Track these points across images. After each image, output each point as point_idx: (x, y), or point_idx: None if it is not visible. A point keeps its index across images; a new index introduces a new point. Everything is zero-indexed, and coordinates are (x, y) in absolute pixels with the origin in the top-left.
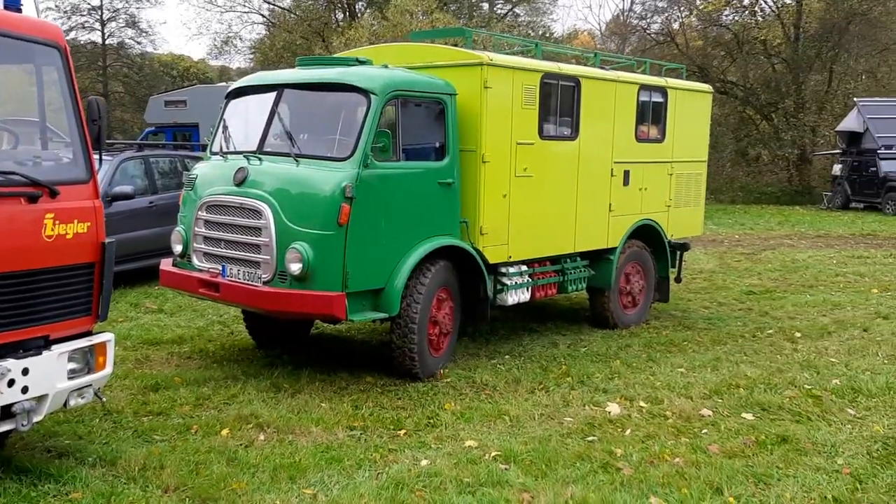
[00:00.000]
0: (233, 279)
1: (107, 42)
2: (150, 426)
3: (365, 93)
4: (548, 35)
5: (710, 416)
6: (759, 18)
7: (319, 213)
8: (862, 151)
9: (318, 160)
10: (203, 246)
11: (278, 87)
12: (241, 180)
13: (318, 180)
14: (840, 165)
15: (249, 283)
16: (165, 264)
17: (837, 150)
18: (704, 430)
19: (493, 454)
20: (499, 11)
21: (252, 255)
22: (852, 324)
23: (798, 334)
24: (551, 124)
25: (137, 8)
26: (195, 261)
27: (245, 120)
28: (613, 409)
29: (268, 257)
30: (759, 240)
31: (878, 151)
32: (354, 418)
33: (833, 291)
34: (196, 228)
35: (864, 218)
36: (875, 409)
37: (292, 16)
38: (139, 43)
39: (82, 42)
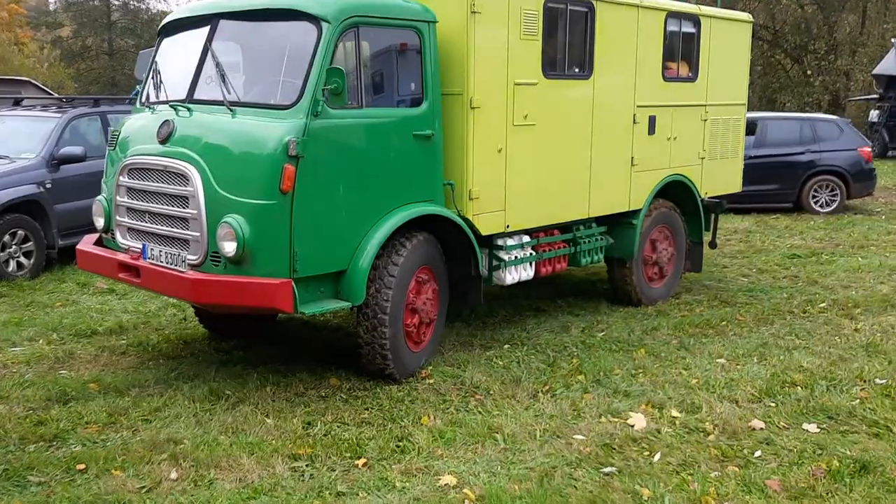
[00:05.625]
0: (154, 262)
1: None
2: (30, 461)
3: (315, 20)
4: None
5: (762, 429)
6: None
7: (257, 178)
8: None
9: (258, 109)
10: (126, 219)
11: (212, 19)
12: (165, 136)
13: (255, 135)
14: (877, 111)
15: (172, 267)
16: (85, 242)
17: (874, 95)
18: (757, 453)
19: (475, 498)
20: None
21: (179, 230)
22: None
23: (857, 309)
24: (559, 60)
25: None
26: (118, 237)
27: (177, 61)
28: (638, 421)
29: (197, 234)
30: None
31: None
32: (303, 442)
33: (887, 252)
34: (118, 197)
35: None
36: None
37: None
38: None
39: None
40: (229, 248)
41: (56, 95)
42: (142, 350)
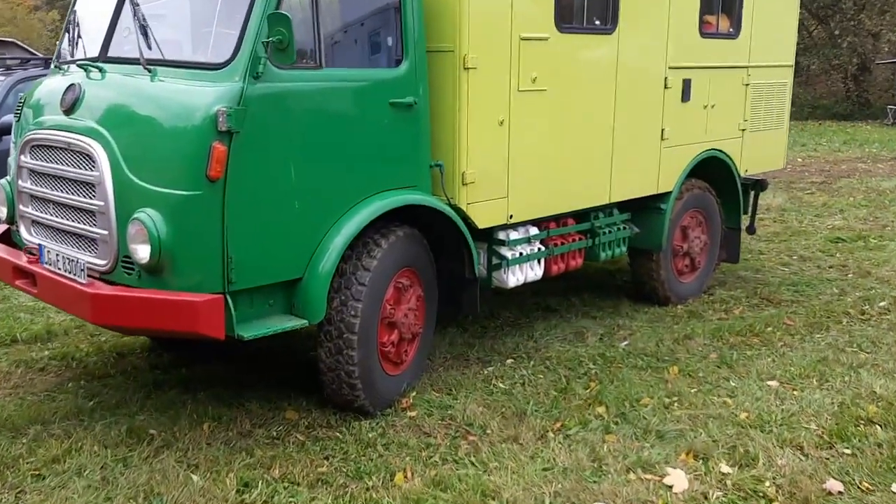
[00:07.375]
0: (51, 268)
1: None
2: None
3: None
4: None
5: (841, 493)
6: None
7: (176, 161)
8: None
9: (184, 69)
10: (29, 210)
11: None
12: (70, 105)
13: (175, 104)
14: None
15: (70, 276)
16: None
17: None
18: None
19: None
20: None
21: (85, 227)
22: None
23: None
24: (576, 9)
25: None
26: (23, 233)
27: (97, 9)
28: (677, 480)
29: (105, 232)
30: (829, 164)
31: None
32: None
33: None
34: (20, 182)
35: None
36: None
37: None
38: None
39: None
40: (142, 252)
41: (40, 56)
42: (64, 366)
